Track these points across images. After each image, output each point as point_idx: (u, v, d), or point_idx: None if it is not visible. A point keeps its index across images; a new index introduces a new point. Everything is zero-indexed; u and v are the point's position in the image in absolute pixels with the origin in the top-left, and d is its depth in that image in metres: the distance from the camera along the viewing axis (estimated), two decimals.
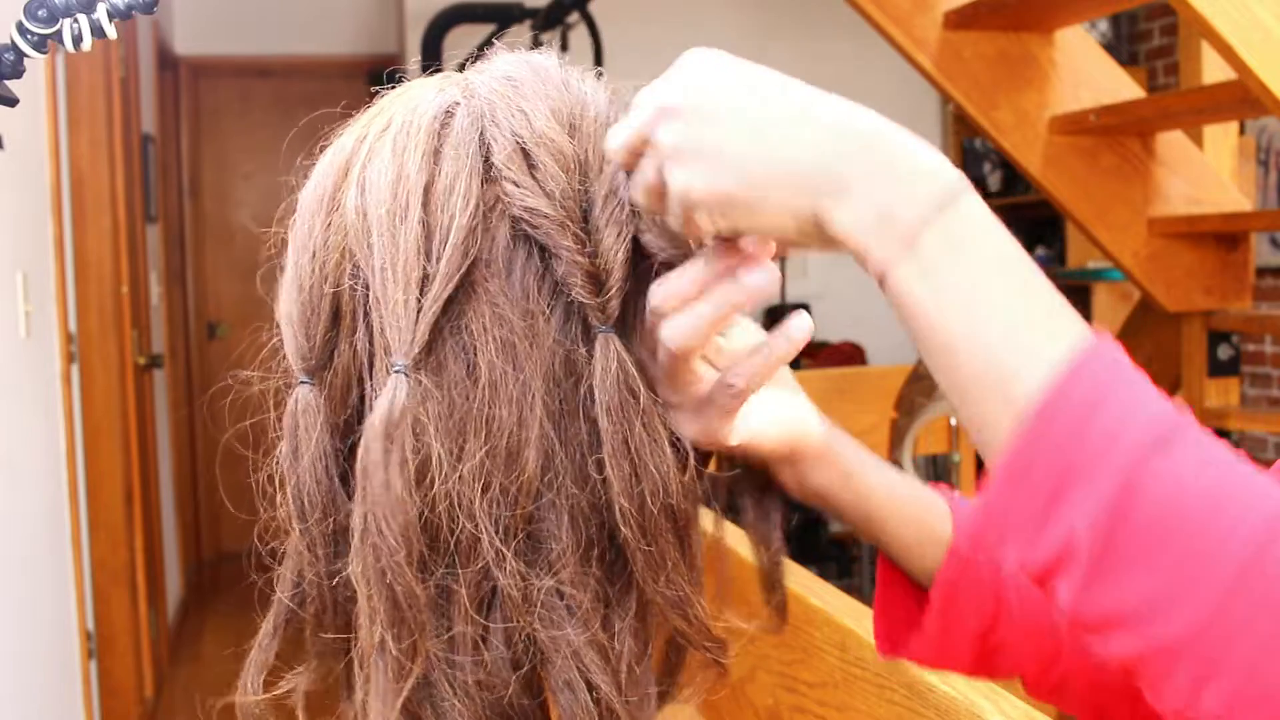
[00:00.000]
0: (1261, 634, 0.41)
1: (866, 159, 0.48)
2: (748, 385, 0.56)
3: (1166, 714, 0.44)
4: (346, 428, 0.55)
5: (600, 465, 0.53)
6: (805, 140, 0.49)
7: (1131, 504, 0.43)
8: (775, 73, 0.51)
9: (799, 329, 0.56)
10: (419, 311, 0.51)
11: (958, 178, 0.48)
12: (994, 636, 0.68)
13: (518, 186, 0.53)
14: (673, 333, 0.54)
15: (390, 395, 0.50)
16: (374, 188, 0.54)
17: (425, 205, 0.52)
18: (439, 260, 0.52)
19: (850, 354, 4.59)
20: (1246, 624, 0.41)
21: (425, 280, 0.52)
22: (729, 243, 0.54)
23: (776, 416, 0.60)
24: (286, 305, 0.56)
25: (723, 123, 0.50)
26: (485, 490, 0.52)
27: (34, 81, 2.43)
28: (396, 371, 0.51)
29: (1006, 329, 0.47)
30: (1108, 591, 0.43)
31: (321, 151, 0.58)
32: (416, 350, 0.51)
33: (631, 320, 0.56)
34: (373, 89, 0.60)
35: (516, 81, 0.56)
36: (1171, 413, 0.45)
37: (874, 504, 0.65)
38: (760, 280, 0.54)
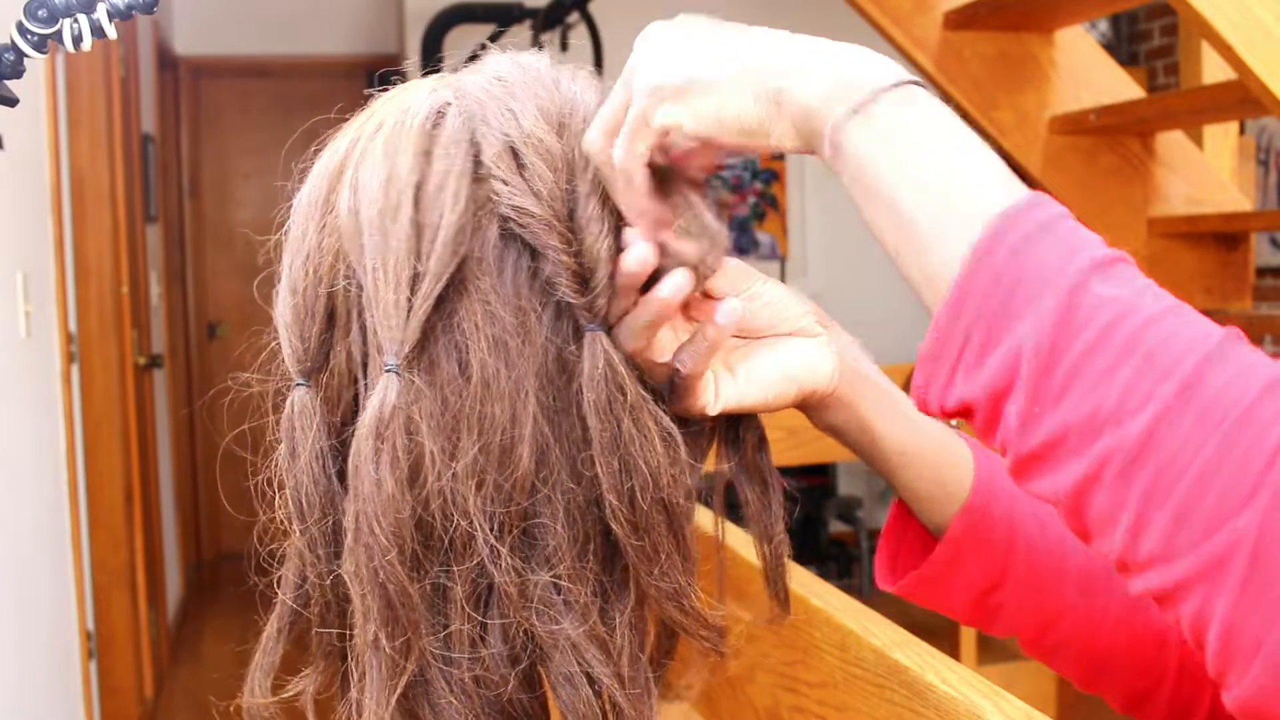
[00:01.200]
0: (1202, 448, 0.41)
1: (829, 50, 0.52)
2: (693, 368, 0.57)
3: (1111, 556, 0.43)
4: (344, 428, 0.55)
5: (591, 461, 0.53)
6: (769, 37, 0.53)
7: (1073, 321, 0.43)
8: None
9: (725, 313, 0.57)
10: (410, 310, 0.52)
11: (901, 74, 0.51)
12: (996, 595, 0.68)
13: (506, 185, 0.53)
14: (622, 336, 0.56)
15: (381, 394, 0.51)
16: (366, 188, 0.54)
17: (416, 204, 0.53)
18: (429, 259, 0.52)
19: None
20: (1189, 438, 0.41)
21: (416, 279, 0.52)
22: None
23: (765, 374, 0.60)
24: (281, 308, 0.56)
25: (687, 35, 0.53)
26: (479, 487, 0.52)
27: (34, 81, 2.43)
28: (388, 370, 0.51)
29: (958, 177, 0.48)
30: (1053, 408, 0.43)
31: (317, 155, 0.58)
32: (408, 349, 0.51)
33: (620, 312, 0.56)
34: (366, 91, 0.60)
35: (507, 81, 0.57)
36: (1114, 250, 0.45)
37: (888, 453, 0.65)
38: (728, 314, 0.56)
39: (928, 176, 0.48)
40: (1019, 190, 0.47)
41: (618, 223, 0.55)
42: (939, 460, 0.66)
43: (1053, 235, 0.45)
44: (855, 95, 0.49)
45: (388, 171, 0.54)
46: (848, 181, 0.50)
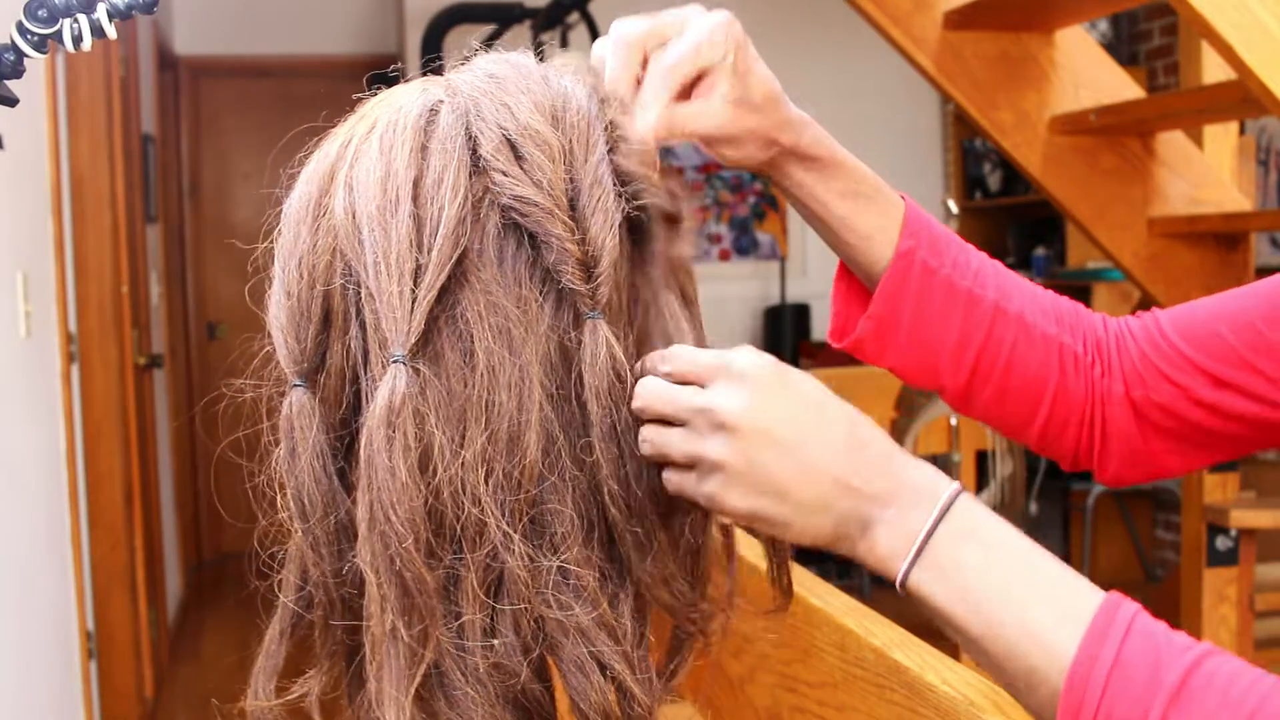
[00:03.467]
0: None
1: (883, 488, 0.56)
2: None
3: None
4: (342, 426, 0.55)
5: (591, 448, 0.54)
6: (837, 482, 0.56)
7: None
8: (816, 388, 0.57)
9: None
10: (414, 302, 0.52)
11: (953, 490, 0.56)
12: (969, 355, 0.78)
13: (506, 176, 0.54)
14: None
15: (390, 384, 0.51)
16: (362, 186, 0.54)
17: (415, 199, 0.53)
18: (431, 251, 0.52)
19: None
20: None
21: (418, 271, 0.52)
22: None
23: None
24: (276, 311, 0.56)
25: (772, 454, 0.55)
26: (489, 475, 0.52)
27: (34, 81, 2.43)
28: (395, 362, 0.51)
29: (1016, 624, 0.53)
30: None
31: (305, 161, 0.59)
32: (413, 340, 0.52)
33: (618, 305, 0.57)
34: (355, 95, 0.61)
35: (498, 78, 0.57)
36: (1179, 668, 0.49)
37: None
38: None
39: (993, 625, 0.53)
40: (1084, 616, 0.51)
41: (620, 213, 0.56)
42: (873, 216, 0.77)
43: (1126, 689, 0.49)
44: (909, 549, 0.55)
45: (385, 168, 0.54)
46: (932, 616, 0.56)
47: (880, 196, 0.77)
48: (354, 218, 0.54)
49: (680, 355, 0.57)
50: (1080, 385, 0.82)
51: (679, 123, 0.66)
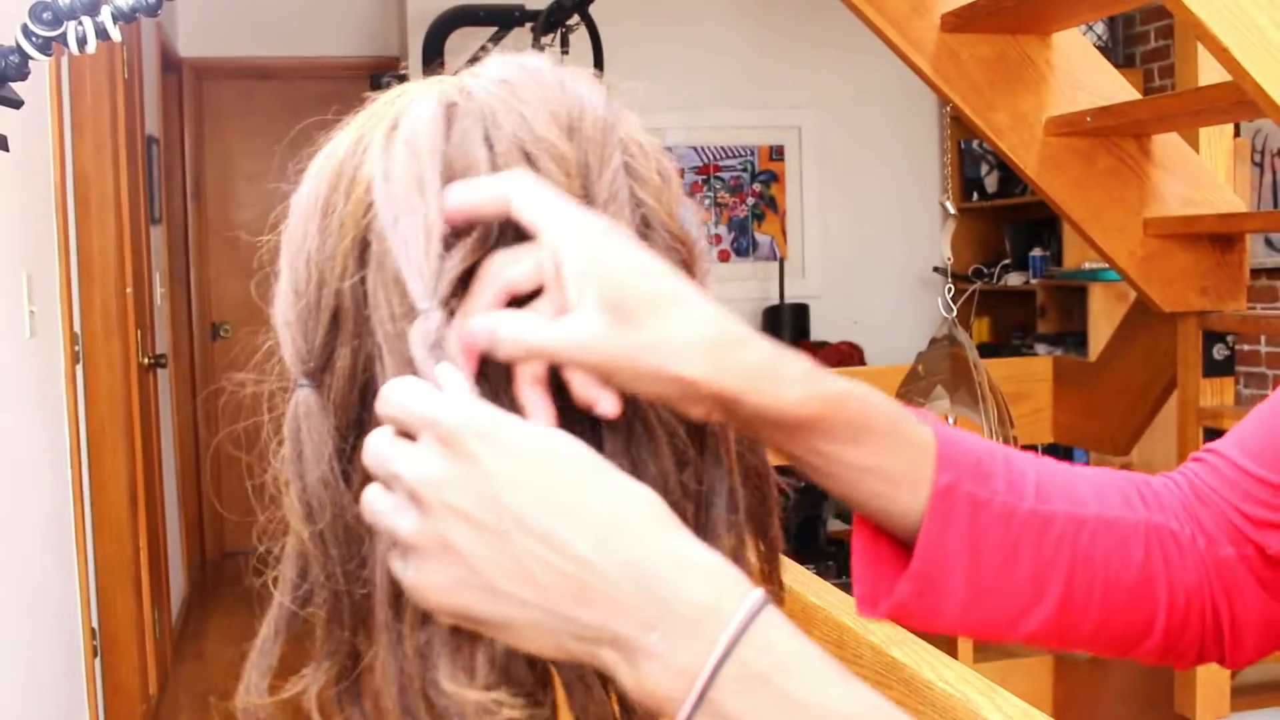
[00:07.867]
0: None
1: (645, 607, 0.45)
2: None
3: None
4: (347, 429, 0.55)
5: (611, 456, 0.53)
6: (567, 585, 0.46)
7: None
8: (563, 455, 0.48)
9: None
10: (443, 261, 0.51)
11: (746, 610, 0.46)
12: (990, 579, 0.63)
13: None
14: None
15: (425, 324, 0.50)
16: (389, 177, 0.53)
17: (442, 191, 0.52)
18: (459, 235, 0.52)
19: (848, 354, 4.61)
20: None
21: (452, 236, 0.52)
22: None
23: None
24: (283, 309, 0.55)
25: (472, 538, 0.46)
26: None
27: (38, 83, 2.45)
28: (424, 310, 0.50)
29: None
30: None
31: (313, 156, 0.58)
32: (443, 292, 0.51)
33: None
34: (364, 95, 0.59)
35: (512, 84, 0.56)
36: None
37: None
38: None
39: None
40: None
41: (638, 226, 0.55)
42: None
43: None
44: (687, 687, 0.44)
45: (406, 162, 0.53)
46: None
47: (900, 428, 0.60)
48: (382, 204, 0.53)
49: (388, 397, 0.50)
50: (1190, 566, 0.68)
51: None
